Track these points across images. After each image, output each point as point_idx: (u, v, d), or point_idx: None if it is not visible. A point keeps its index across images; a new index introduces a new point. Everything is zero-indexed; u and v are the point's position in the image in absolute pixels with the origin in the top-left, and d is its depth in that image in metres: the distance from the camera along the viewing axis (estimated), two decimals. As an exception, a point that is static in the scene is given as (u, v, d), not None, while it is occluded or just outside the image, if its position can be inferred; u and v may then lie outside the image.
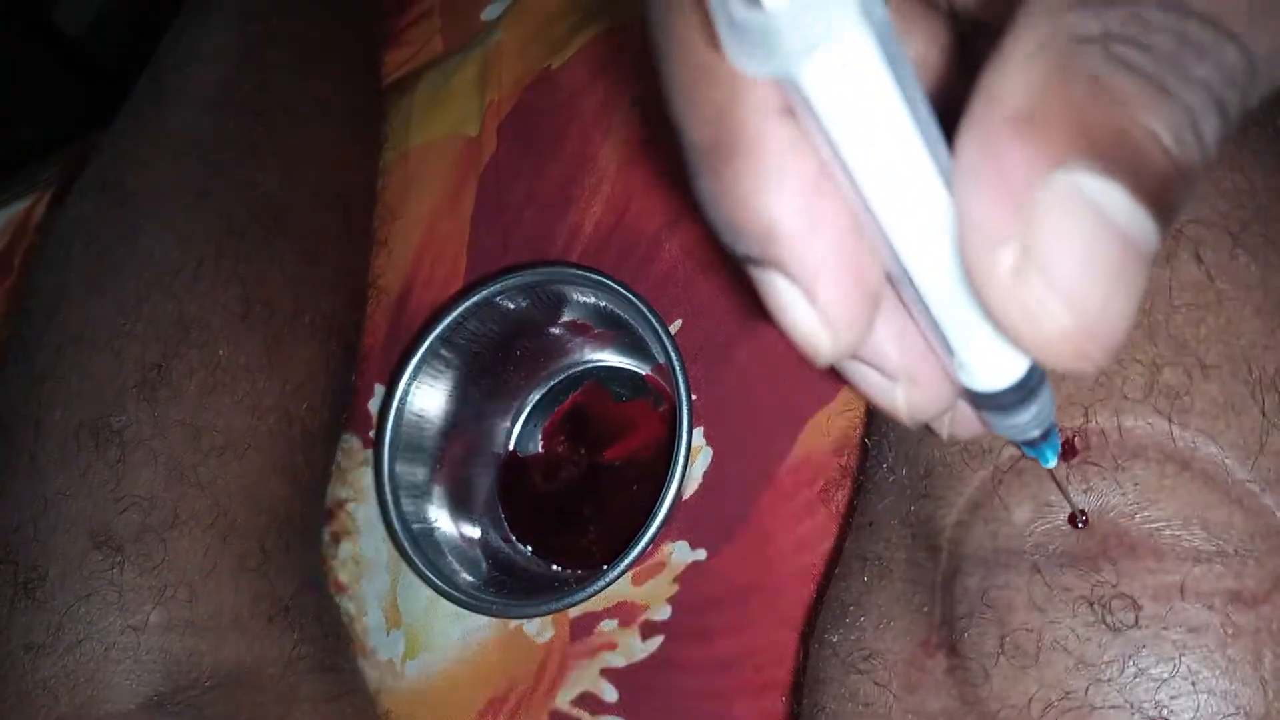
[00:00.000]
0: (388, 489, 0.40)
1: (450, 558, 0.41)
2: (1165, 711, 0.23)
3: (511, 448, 0.45)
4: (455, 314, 0.41)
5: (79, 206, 0.45)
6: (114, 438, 0.39)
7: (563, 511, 0.44)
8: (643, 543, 0.36)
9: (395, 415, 0.41)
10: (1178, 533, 0.24)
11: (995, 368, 0.18)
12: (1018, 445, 0.23)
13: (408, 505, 0.41)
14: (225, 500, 0.39)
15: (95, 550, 0.37)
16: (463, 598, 0.39)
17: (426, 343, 0.41)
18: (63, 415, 0.39)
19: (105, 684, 0.36)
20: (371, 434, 0.46)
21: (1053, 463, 0.24)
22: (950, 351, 0.18)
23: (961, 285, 0.16)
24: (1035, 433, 0.21)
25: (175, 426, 0.39)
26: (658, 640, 0.40)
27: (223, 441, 0.40)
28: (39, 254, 0.47)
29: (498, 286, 0.41)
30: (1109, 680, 0.24)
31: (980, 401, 0.20)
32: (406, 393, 0.41)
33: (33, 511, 0.38)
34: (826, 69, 0.14)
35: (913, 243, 0.16)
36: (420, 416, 0.42)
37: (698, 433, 0.42)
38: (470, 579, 0.41)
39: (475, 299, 0.41)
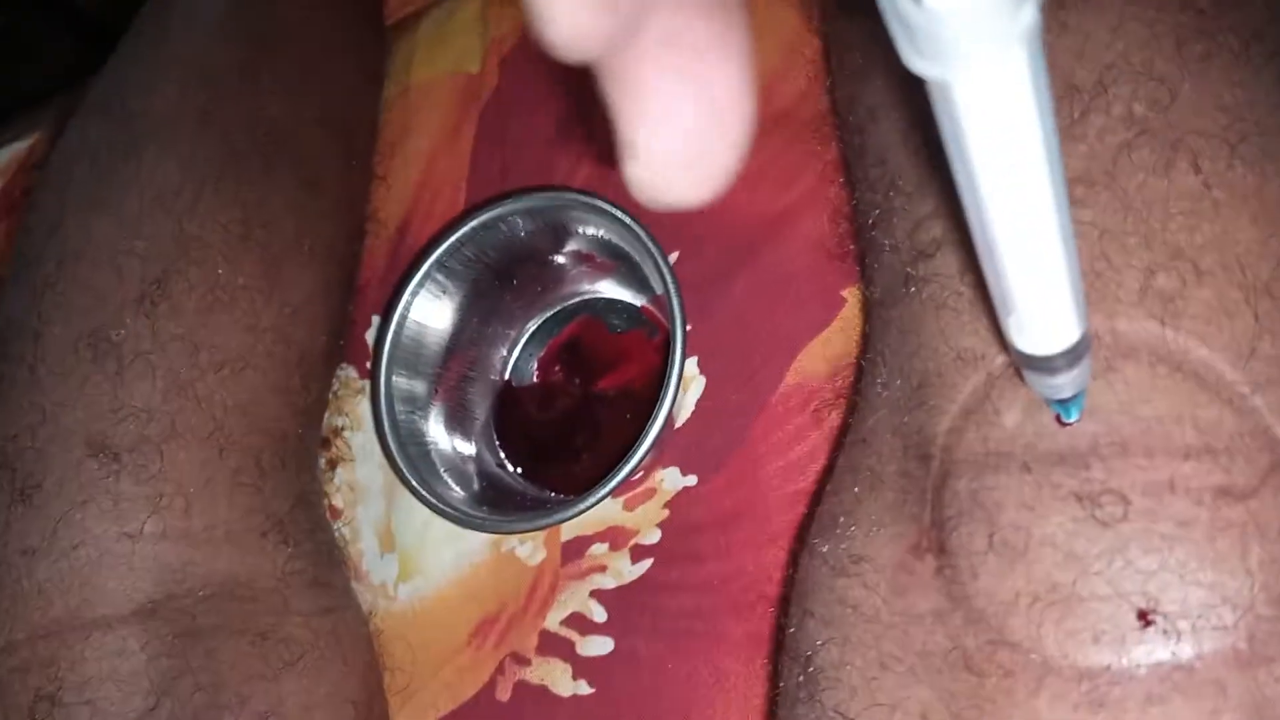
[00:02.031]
0: (383, 399, 0.41)
1: (444, 474, 0.41)
2: (1153, 602, 0.24)
3: (507, 376, 0.46)
4: (459, 233, 0.41)
5: (83, 128, 0.46)
6: (112, 350, 0.39)
7: (557, 440, 0.44)
8: (633, 462, 0.37)
9: (395, 328, 0.41)
10: (1168, 430, 0.25)
11: (1051, 335, 0.21)
12: (1047, 401, 0.25)
13: (404, 419, 0.41)
14: (222, 415, 0.40)
15: (92, 459, 0.38)
16: (454, 513, 0.39)
17: (428, 261, 0.41)
18: (62, 328, 0.39)
19: (99, 589, 0.36)
20: (368, 365, 0.46)
21: (1075, 418, 0.25)
22: (1012, 314, 0.20)
23: (1040, 265, 0.19)
24: (1068, 393, 0.23)
25: (174, 341, 0.39)
26: (647, 563, 0.40)
27: (221, 358, 0.40)
28: (42, 173, 0.47)
29: (502, 209, 0.41)
30: (1097, 573, 0.24)
31: (1030, 363, 0.22)
32: (407, 308, 0.42)
33: (31, 420, 0.38)
34: (984, 80, 0.15)
35: (1011, 229, 0.18)
36: (419, 332, 0.43)
37: (692, 363, 0.42)
38: (462, 494, 0.41)
39: (479, 220, 0.41)
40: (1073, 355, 0.21)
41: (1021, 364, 0.23)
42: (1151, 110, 0.27)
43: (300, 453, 0.43)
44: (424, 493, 0.40)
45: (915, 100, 0.32)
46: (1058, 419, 0.26)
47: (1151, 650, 0.23)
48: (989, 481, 0.26)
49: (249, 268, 0.42)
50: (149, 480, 0.38)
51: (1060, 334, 0.21)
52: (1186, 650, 0.23)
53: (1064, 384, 0.23)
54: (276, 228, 0.43)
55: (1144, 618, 0.24)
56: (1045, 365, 0.22)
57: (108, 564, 0.37)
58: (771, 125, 0.43)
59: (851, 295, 0.39)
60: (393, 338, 0.42)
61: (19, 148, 0.66)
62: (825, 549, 0.30)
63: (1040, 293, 0.20)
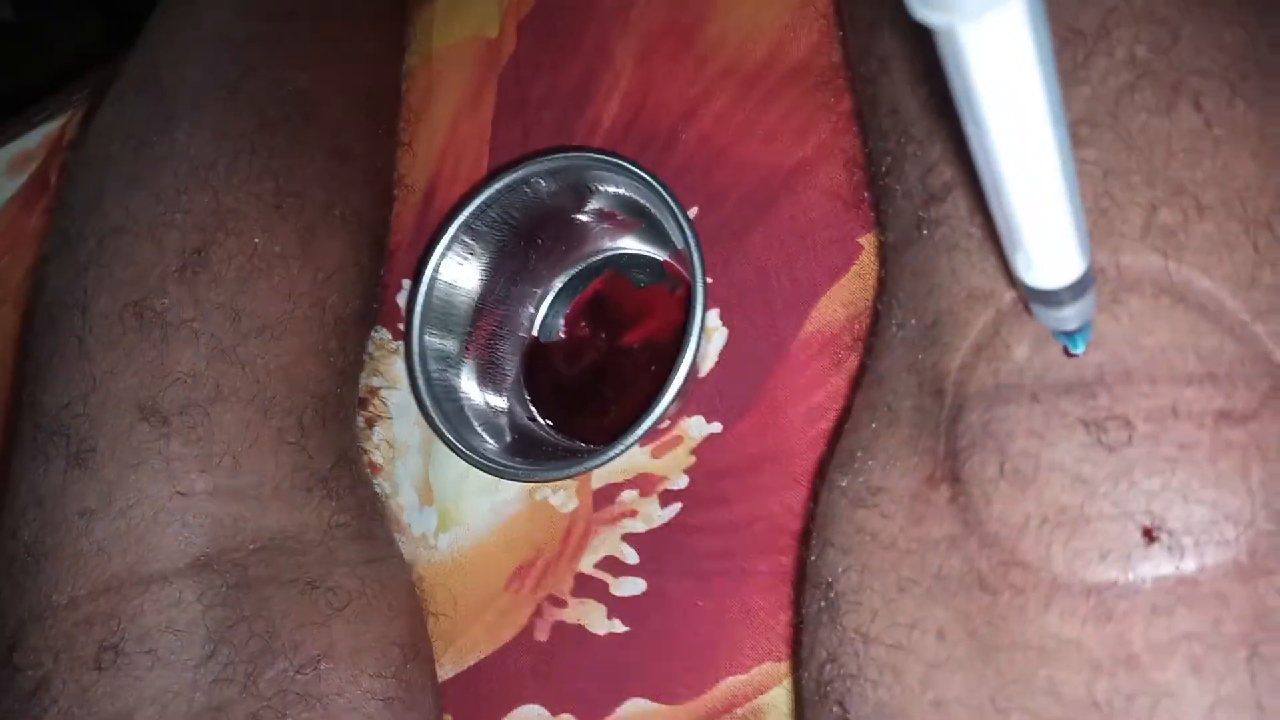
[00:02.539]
0: (416, 357, 0.42)
1: (478, 428, 0.43)
2: (1157, 521, 0.25)
3: (536, 333, 0.47)
4: (484, 196, 0.42)
5: (117, 105, 0.47)
6: (157, 319, 0.40)
7: (585, 392, 0.46)
8: (658, 410, 0.38)
9: (426, 289, 0.43)
10: (1171, 359, 0.26)
11: (1057, 269, 0.22)
12: (1054, 333, 0.26)
13: (438, 377, 0.43)
14: (264, 378, 0.41)
15: (143, 423, 0.39)
16: (488, 464, 0.41)
17: (455, 224, 0.43)
18: (107, 300, 0.41)
19: (155, 545, 0.38)
20: (401, 326, 0.48)
21: (1081, 350, 0.26)
22: (1019, 250, 0.22)
23: (1044, 202, 0.20)
24: (1074, 325, 0.24)
25: (215, 309, 0.41)
26: (676, 507, 0.42)
27: (260, 324, 0.42)
28: (79, 152, 0.48)
29: (524, 171, 0.42)
30: (1104, 495, 0.25)
31: (1038, 297, 0.23)
32: (436, 270, 0.43)
33: (82, 389, 0.40)
34: (987, 27, 0.16)
35: (1016, 168, 0.19)
36: (449, 293, 0.44)
37: (714, 314, 0.43)
38: (495, 446, 0.43)
39: (502, 183, 0.42)
40: (1078, 288, 0.23)
41: (1029, 298, 0.24)
42: (1153, 52, 0.28)
43: (340, 412, 0.45)
44: (459, 446, 0.41)
45: (924, 50, 0.33)
46: (1065, 351, 0.27)
47: (1156, 565, 0.24)
48: (1000, 413, 0.27)
49: (284, 236, 0.43)
50: (198, 441, 0.39)
51: (1065, 268, 0.22)
52: (1190, 564, 0.24)
53: (1070, 316, 0.24)
54: (308, 197, 0.44)
55: (1148, 535, 0.25)
56: (1052, 299, 0.23)
57: (162, 521, 0.39)
58: (786, 79, 0.44)
59: (868, 243, 0.40)
60: (424, 299, 0.43)
61: (51, 128, 0.68)
62: (844, 483, 0.32)
63: (1045, 228, 0.21)
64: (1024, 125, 0.18)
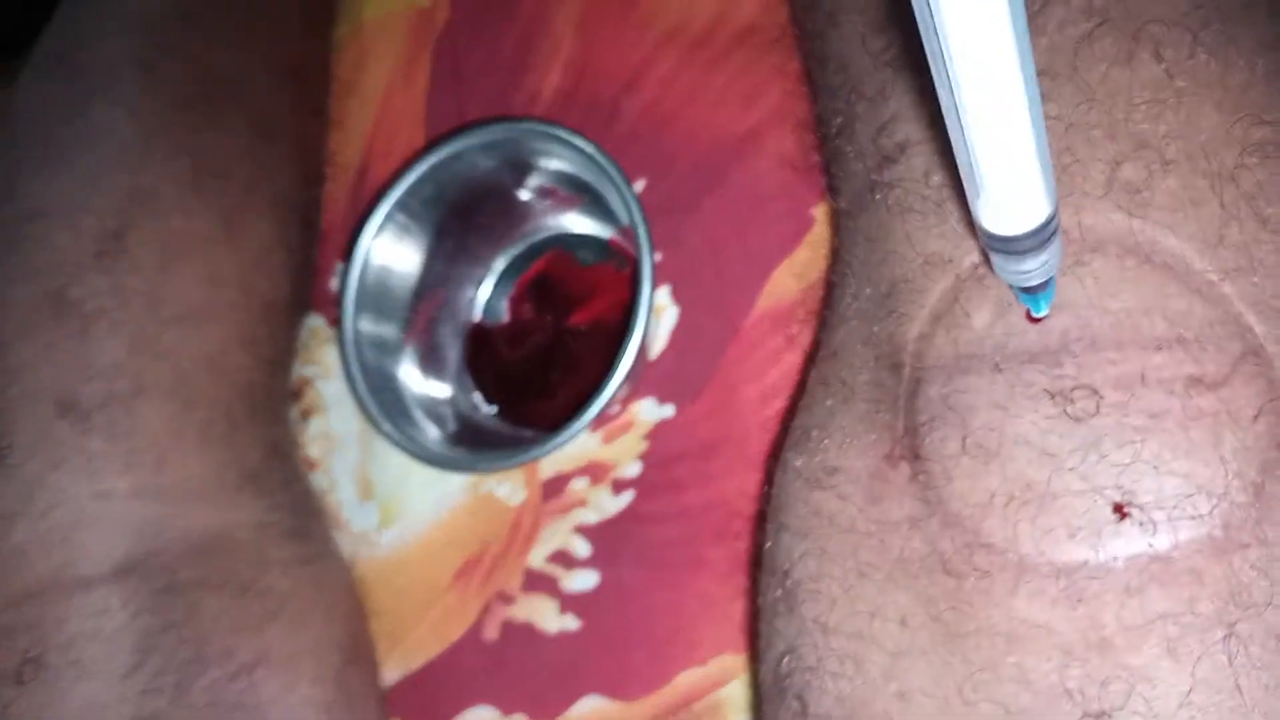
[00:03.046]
0: (350, 344, 0.40)
1: (419, 418, 0.41)
2: (1128, 495, 0.23)
3: (478, 316, 0.45)
4: (417, 172, 0.40)
5: (28, 88, 0.45)
6: (74, 309, 0.38)
7: (531, 377, 0.44)
8: (606, 394, 0.36)
9: (359, 271, 0.41)
10: (1138, 322, 0.24)
11: (1020, 212, 0.20)
12: (1015, 291, 0.25)
13: (375, 364, 0.41)
14: (188, 369, 0.39)
15: (62, 419, 0.37)
16: (429, 456, 0.39)
17: (387, 203, 0.41)
18: (23, 289, 0.39)
19: (78, 548, 0.36)
20: (335, 312, 0.46)
21: (1043, 311, 0.24)
22: (981, 194, 0.20)
23: (1008, 143, 0.19)
24: (1036, 280, 0.23)
25: (135, 296, 0.39)
26: (629, 495, 0.40)
27: (183, 311, 0.40)
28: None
29: (459, 144, 0.40)
30: (1071, 469, 0.24)
31: (997, 244, 0.22)
32: (369, 251, 0.41)
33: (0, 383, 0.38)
34: None
35: (979, 100, 0.18)
36: (385, 275, 0.42)
37: (664, 291, 0.42)
38: (438, 436, 0.41)
39: (436, 158, 0.40)
40: (1041, 235, 0.21)
41: (991, 247, 0.22)
42: (1111, 0, 0.27)
43: (270, 403, 0.43)
44: (397, 437, 0.39)
45: (874, 1, 0.31)
46: (1028, 315, 0.25)
47: (1128, 543, 0.23)
48: (960, 384, 0.26)
49: (205, 218, 0.41)
50: (120, 438, 0.37)
51: (1029, 211, 0.20)
52: (1163, 541, 0.23)
53: (1033, 270, 0.22)
54: (230, 176, 0.42)
55: (1119, 510, 0.23)
56: (1014, 246, 0.21)
57: (85, 524, 0.37)
58: (734, 41, 0.42)
59: (820, 213, 0.39)
60: (357, 281, 0.41)
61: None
62: (799, 463, 0.30)
63: (1008, 164, 0.19)
64: (987, 48, 0.17)
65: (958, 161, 0.20)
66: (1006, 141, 0.19)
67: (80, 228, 0.39)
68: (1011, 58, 0.17)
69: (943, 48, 0.17)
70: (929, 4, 0.17)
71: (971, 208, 0.21)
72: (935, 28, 0.17)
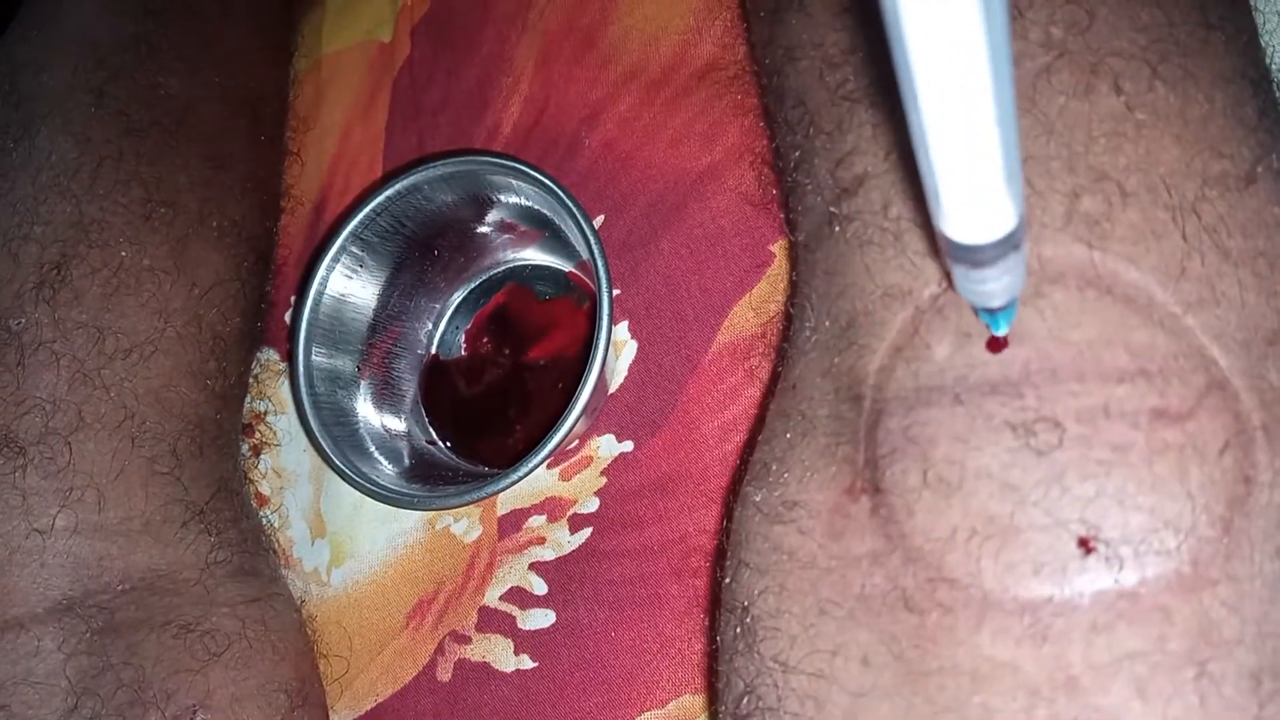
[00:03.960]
0: (302, 377, 0.39)
1: (375, 453, 0.40)
2: (1093, 530, 0.23)
3: (435, 350, 0.44)
4: (373, 204, 0.40)
5: None
6: (13, 340, 0.37)
7: (489, 413, 0.43)
8: (564, 429, 0.36)
9: (312, 304, 0.40)
10: (1100, 354, 0.24)
11: (985, 221, 0.20)
12: (975, 311, 0.24)
13: (328, 398, 0.40)
14: (133, 403, 0.38)
15: None
16: (382, 492, 0.38)
17: (343, 234, 0.40)
18: None
19: (10, 588, 0.35)
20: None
21: (1003, 330, 0.24)
22: (944, 199, 0.19)
23: (975, 145, 0.18)
24: (999, 301, 0.22)
25: (77, 329, 0.38)
26: (586, 532, 0.39)
27: (128, 344, 0.38)
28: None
29: (417, 176, 0.39)
30: (1035, 503, 0.23)
31: (960, 254, 0.21)
32: (324, 283, 0.40)
33: None
34: None
35: (940, 111, 0.18)
36: (339, 308, 0.41)
37: (623, 327, 0.41)
38: (393, 473, 0.40)
39: (393, 189, 0.39)
40: (1006, 245, 0.20)
41: (953, 259, 0.22)
42: (1069, 32, 0.27)
43: (220, 439, 0.42)
44: (349, 473, 0.38)
45: (831, 36, 0.31)
46: (989, 345, 0.25)
47: (1094, 579, 0.23)
48: (921, 417, 0.25)
49: (153, 249, 0.40)
50: (57, 474, 0.36)
51: (995, 219, 0.20)
52: (1130, 577, 0.23)
53: (996, 289, 0.22)
54: (181, 206, 0.41)
55: (1085, 545, 0.23)
56: (976, 258, 0.21)
57: (18, 562, 0.35)
58: (693, 80, 0.42)
59: (779, 249, 0.38)
60: (310, 314, 0.40)
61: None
62: (758, 497, 0.29)
63: (973, 170, 0.19)
64: (951, 40, 0.16)
65: (919, 166, 0.20)
66: (974, 143, 0.18)
67: (20, 257, 0.38)
68: (980, 53, 0.16)
69: (904, 42, 0.16)
70: None
71: (934, 217, 0.20)
72: (897, 18, 0.16)
